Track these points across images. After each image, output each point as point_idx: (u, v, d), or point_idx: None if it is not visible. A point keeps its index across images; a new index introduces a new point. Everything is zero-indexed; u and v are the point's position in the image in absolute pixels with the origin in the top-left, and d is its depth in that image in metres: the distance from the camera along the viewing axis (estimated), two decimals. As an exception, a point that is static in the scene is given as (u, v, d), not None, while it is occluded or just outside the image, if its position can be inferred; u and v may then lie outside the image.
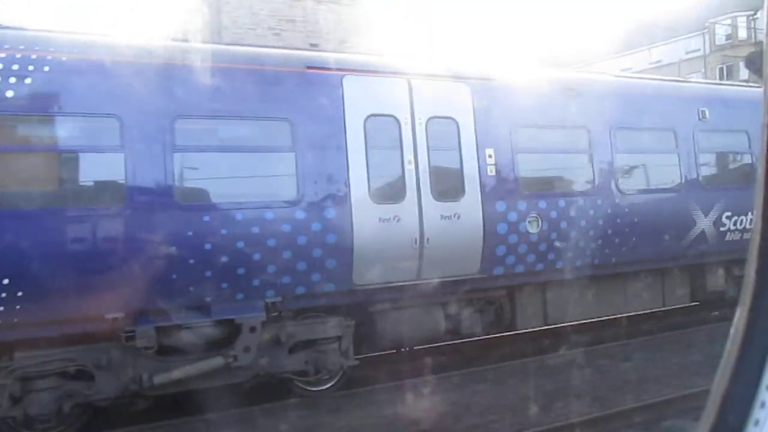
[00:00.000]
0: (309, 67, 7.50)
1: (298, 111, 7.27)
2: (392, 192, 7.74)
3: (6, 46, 6.19)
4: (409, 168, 7.80)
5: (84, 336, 6.51)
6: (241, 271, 6.88)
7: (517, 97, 8.62)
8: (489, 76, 8.66)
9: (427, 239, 7.78)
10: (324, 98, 7.43)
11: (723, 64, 39.68)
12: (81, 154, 6.48)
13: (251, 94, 7.11)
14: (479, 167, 8.19)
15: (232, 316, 6.95)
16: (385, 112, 7.78)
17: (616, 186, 9.21)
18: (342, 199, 7.36)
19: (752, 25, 38.58)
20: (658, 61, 39.48)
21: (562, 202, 8.73)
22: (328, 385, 7.91)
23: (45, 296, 6.12)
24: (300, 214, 7.15)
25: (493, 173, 8.28)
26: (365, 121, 7.59)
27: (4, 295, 5.97)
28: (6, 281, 5.96)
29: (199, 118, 6.91)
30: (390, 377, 8.37)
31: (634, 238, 9.20)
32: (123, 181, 6.49)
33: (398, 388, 7.85)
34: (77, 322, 6.37)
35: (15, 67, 6.15)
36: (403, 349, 8.93)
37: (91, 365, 6.52)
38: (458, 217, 8.00)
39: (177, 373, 6.76)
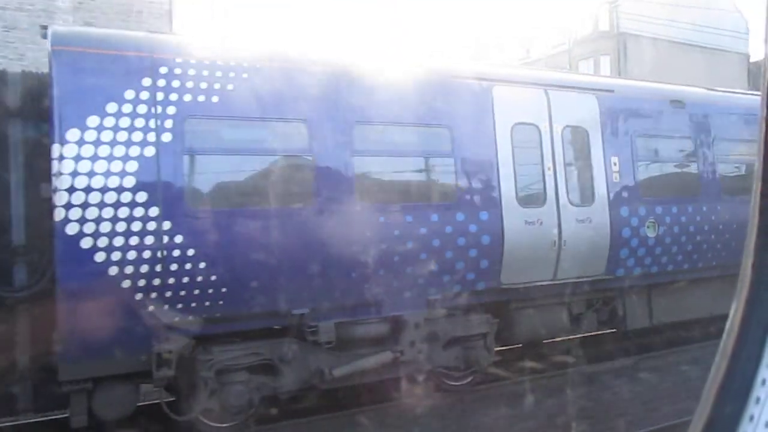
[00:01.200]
0: (456, 77, 7.88)
1: (455, 118, 7.65)
2: (535, 196, 8.17)
3: (209, 55, 6.47)
4: (549, 174, 8.23)
5: (268, 331, 6.81)
6: (409, 269, 7.23)
7: (634, 107, 9.13)
8: (611, 88, 9.15)
9: (564, 242, 8.21)
10: (477, 107, 7.82)
11: (589, 57, 38.02)
12: (276, 157, 6.78)
13: (416, 103, 7.47)
14: (606, 174, 8.66)
15: (400, 313, 7.29)
16: (529, 121, 8.20)
17: (718, 192, 9.76)
18: (494, 203, 7.76)
19: (614, 16, 36.99)
20: (526, 57, 39.41)
21: (674, 208, 9.24)
22: (466, 381, 8.28)
23: (245, 292, 6.41)
24: (460, 216, 7.53)
25: (618, 180, 8.76)
26: (512, 129, 8.00)
27: (210, 291, 6.25)
28: (214, 278, 6.24)
29: (374, 124, 7.25)
30: (515, 372, 8.80)
31: (733, 243, 9.74)
32: (312, 183, 6.81)
33: (535, 383, 8.28)
34: (268, 317, 6.66)
35: (218, 74, 6.44)
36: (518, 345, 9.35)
37: (276, 359, 6.81)
38: (590, 221, 8.45)
39: (353, 367, 7.09)
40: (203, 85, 6.35)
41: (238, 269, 6.32)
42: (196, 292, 6.21)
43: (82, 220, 5.78)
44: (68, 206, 5.74)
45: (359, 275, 6.97)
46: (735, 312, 1.44)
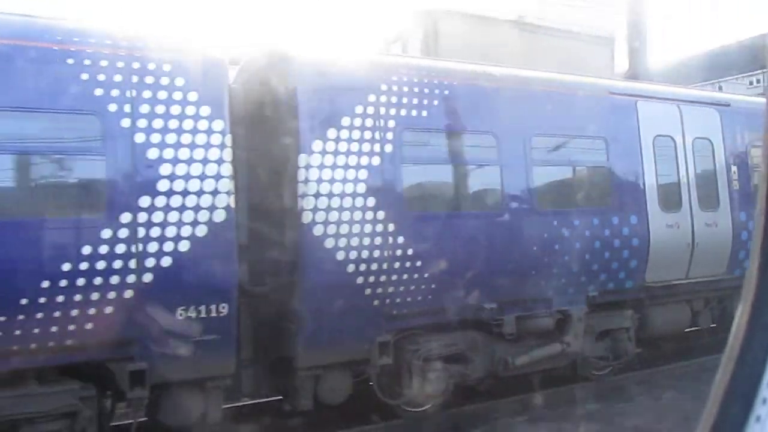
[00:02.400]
0: (611, 93, 8.64)
1: (610, 130, 8.41)
2: (673, 202, 8.94)
3: (416, 74, 7.16)
4: (683, 182, 9.03)
5: (458, 324, 7.50)
6: (575, 268, 7.97)
7: (746, 120, 9.94)
8: (727, 102, 9.96)
9: (697, 243, 9.01)
10: (626, 120, 8.59)
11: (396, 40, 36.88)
12: (472, 165, 7.49)
13: (577, 115, 8.21)
14: (728, 182, 9.48)
15: (566, 307, 8.02)
16: (666, 133, 8.97)
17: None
18: (641, 207, 8.52)
19: None
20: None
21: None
22: (606, 371, 9.02)
23: (448, 288, 7.10)
24: (615, 220, 8.28)
25: (737, 187, 9.58)
26: (654, 140, 8.78)
27: (423, 286, 6.94)
28: (426, 275, 6.93)
29: (547, 136, 7.97)
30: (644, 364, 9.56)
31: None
32: (499, 190, 7.52)
33: (667, 373, 9.06)
34: (463, 311, 7.35)
35: (426, 90, 7.14)
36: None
37: (468, 349, 7.50)
38: (716, 225, 9.26)
39: (530, 357, 7.81)
40: (414, 101, 7.04)
41: (444, 267, 7.01)
42: (412, 287, 6.89)
43: (325, 223, 6.44)
44: (314, 210, 6.41)
45: (537, 273, 7.70)
46: (741, 314, 1.43)
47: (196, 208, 5.85)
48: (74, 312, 5.39)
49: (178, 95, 5.87)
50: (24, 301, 5.21)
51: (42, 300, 5.27)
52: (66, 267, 5.35)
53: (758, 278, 1.42)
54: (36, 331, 5.29)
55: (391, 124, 6.88)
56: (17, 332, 5.23)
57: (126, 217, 5.59)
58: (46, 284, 5.28)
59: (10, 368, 5.33)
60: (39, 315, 5.27)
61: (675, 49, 37.41)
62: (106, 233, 5.51)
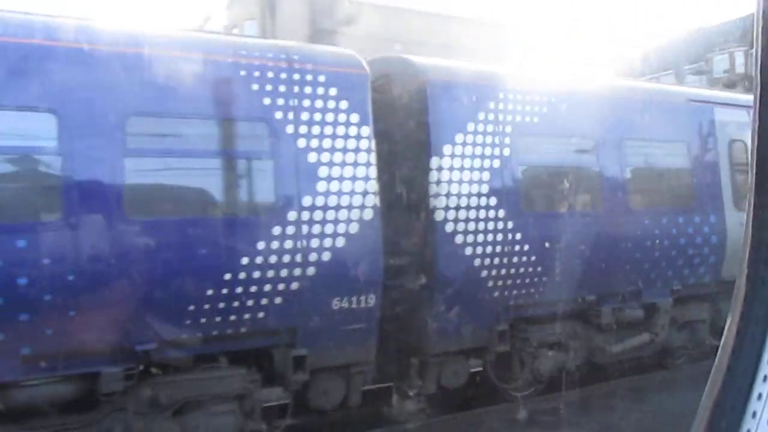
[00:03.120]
0: (691, 100, 9.23)
1: (692, 135, 9.00)
2: (743, 202, 9.52)
3: (528, 84, 7.73)
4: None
5: (561, 314, 8.07)
6: (663, 263, 8.55)
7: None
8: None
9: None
10: (705, 126, 9.18)
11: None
12: (575, 167, 8.06)
13: (665, 121, 8.80)
14: None
15: (655, 300, 8.60)
16: (739, 138, 9.57)
17: None
18: (719, 207, 9.11)
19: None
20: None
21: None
22: (682, 359, 9.61)
23: (555, 281, 7.65)
24: (697, 219, 8.87)
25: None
26: (729, 144, 9.37)
27: (535, 279, 7.50)
28: (540, 268, 7.49)
29: (637, 140, 8.54)
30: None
31: None
32: (599, 191, 8.08)
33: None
34: (565, 302, 7.91)
35: (536, 98, 7.70)
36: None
37: (568, 338, 8.07)
38: None
39: (624, 345, 8.38)
40: (527, 108, 7.60)
41: (552, 262, 7.56)
42: (527, 280, 7.45)
43: (455, 220, 6.99)
44: (445, 209, 6.95)
45: (630, 268, 8.27)
46: (729, 326, 1.43)
47: (350, 207, 6.38)
48: (249, 302, 5.91)
49: (331, 104, 6.39)
50: (209, 292, 5.73)
51: (224, 291, 5.79)
52: (244, 261, 5.87)
53: (746, 290, 1.42)
54: (218, 319, 5.81)
55: (509, 129, 7.43)
56: (202, 320, 5.75)
57: (292, 216, 6.12)
58: (228, 276, 5.80)
59: (194, 354, 5.85)
60: (221, 305, 5.79)
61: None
62: (277, 230, 6.03)
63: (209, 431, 6.00)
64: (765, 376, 1.39)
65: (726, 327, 1.47)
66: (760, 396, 1.38)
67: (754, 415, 1.37)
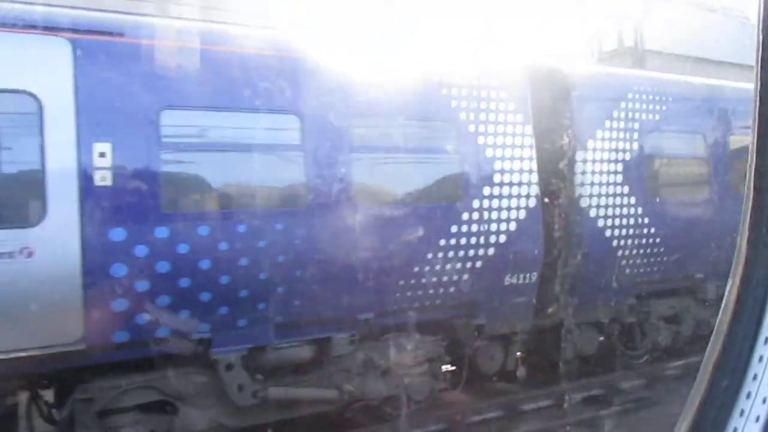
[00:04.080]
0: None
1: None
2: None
3: (651, 85, 8.67)
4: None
5: (675, 290, 9.08)
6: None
7: None
8: None
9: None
10: None
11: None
12: (692, 161, 9.04)
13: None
14: None
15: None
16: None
17: None
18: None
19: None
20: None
21: None
22: None
23: (673, 261, 8.65)
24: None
25: None
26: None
27: (656, 259, 8.49)
28: (660, 250, 8.47)
29: (736, 134, 9.52)
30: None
31: None
32: (713, 180, 9.06)
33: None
34: (679, 280, 8.92)
35: (659, 98, 8.64)
36: None
37: (680, 311, 9.09)
38: None
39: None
40: (652, 107, 8.54)
41: (671, 244, 8.54)
42: (650, 260, 8.44)
43: (597, 206, 7.96)
44: (590, 196, 7.91)
45: (716, 250, 9.26)
46: (730, 290, 1.43)
47: (518, 196, 7.32)
48: (444, 278, 6.87)
49: (502, 105, 7.31)
50: (416, 269, 6.68)
51: (426, 269, 6.73)
52: (441, 242, 6.81)
53: (746, 254, 1.41)
54: (419, 293, 6.76)
55: (636, 126, 8.38)
56: (408, 294, 6.70)
57: (476, 203, 7.06)
58: (429, 256, 6.75)
59: (398, 323, 6.80)
60: (423, 281, 6.74)
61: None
62: (465, 216, 6.97)
63: (408, 389, 6.98)
64: (766, 339, 1.38)
65: (727, 290, 1.47)
66: (761, 359, 1.37)
67: (755, 377, 1.37)
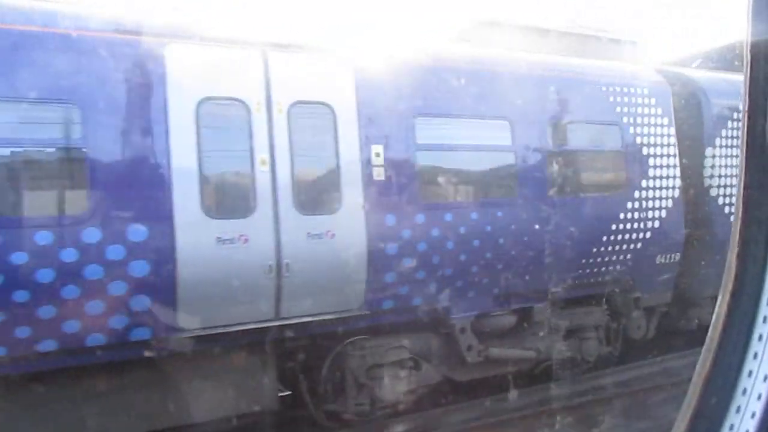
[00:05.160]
0: None
1: None
2: None
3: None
4: None
5: None
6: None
7: None
8: None
9: None
10: None
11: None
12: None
13: None
14: None
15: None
16: None
17: None
18: None
19: None
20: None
21: None
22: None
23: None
24: None
25: None
26: None
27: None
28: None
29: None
30: None
31: None
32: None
33: None
34: None
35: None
36: None
37: None
38: None
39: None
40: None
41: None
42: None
43: (724, 195, 9.24)
44: (715, 187, 9.20)
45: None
46: (720, 304, 1.45)
47: (666, 188, 8.61)
48: (613, 257, 8.14)
49: (653, 110, 8.59)
50: (594, 249, 7.95)
51: (602, 249, 8.01)
52: (613, 227, 8.09)
53: (736, 268, 1.43)
54: (594, 270, 8.04)
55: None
56: (587, 270, 7.97)
57: (636, 194, 8.34)
58: (604, 239, 8.02)
59: (572, 296, 8.07)
60: (598, 259, 8.01)
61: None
62: (629, 205, 8.26)
63: (582, 348, 8.28)
64: (755, 354, 1.40)
65: (717, 305, 1.49)
66: (750, 373, 1.39)
67: (744, 392, 1.38)
